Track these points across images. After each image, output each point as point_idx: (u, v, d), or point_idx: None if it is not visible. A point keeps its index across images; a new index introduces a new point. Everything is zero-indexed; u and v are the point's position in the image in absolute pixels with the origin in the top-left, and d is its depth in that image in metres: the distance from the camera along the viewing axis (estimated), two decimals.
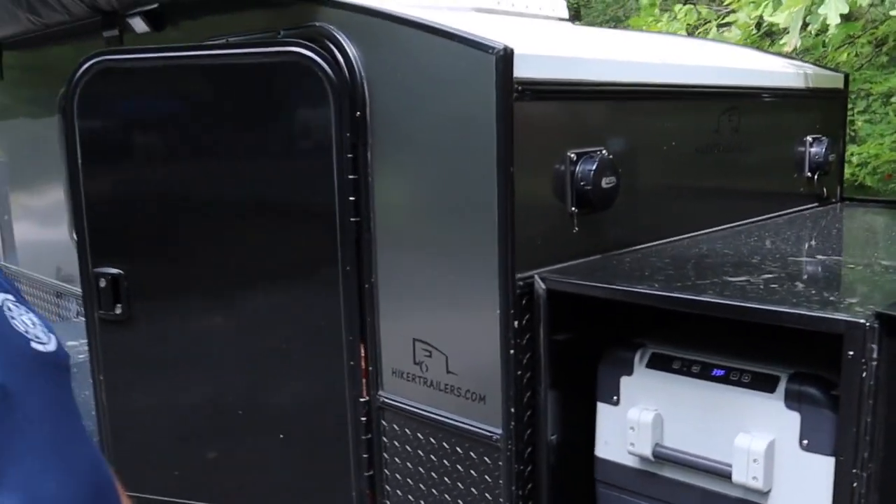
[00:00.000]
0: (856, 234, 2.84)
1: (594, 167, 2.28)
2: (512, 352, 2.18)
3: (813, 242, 2.61)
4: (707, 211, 2.80)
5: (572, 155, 2.28)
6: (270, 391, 2.74)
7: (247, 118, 2.65)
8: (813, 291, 1.98)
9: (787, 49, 3.44)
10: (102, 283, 2.74)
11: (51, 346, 1.27)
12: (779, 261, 2.32)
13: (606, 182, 2.30)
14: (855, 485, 1.78)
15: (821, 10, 3.19)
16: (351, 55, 2.37)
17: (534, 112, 2.18)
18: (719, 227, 2.80)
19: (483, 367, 2.25)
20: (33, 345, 1.24)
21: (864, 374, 1.72)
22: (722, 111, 2.77)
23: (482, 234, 2.17)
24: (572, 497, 2.34)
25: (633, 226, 2.49)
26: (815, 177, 3.27)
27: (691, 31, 5.11)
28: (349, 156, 2.40)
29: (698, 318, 2.04)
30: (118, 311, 2.74)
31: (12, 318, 1.24)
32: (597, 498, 2.34)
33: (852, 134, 6.86)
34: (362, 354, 2.52)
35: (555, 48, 2.45)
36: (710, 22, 4.96)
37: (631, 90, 2.44)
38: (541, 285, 2.19)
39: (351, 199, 2.41)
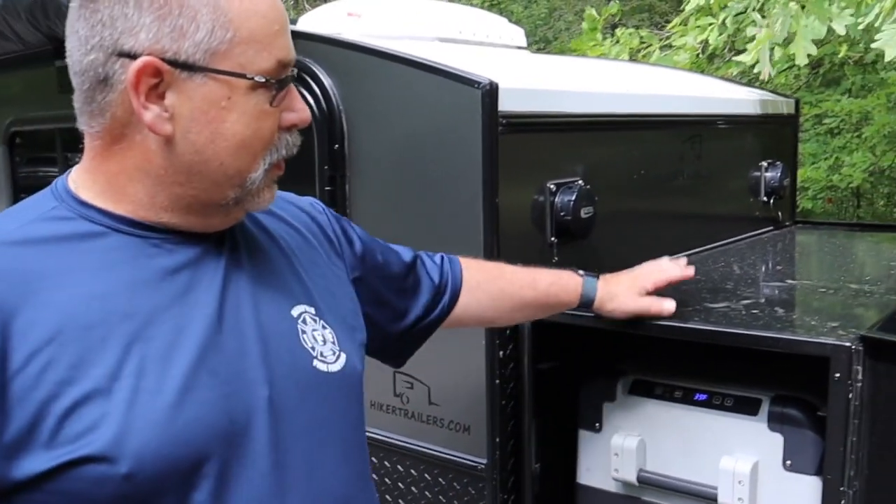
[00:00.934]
0: (817, 256, 2.94)
1: (573, 197, 2.31)
2: (497, 381, 2.20)
3: (779, 267, 2.69)
4: (674, 237, 2.87)
5: (552, 186, 2.31)
6: None
7: None
8: (794, 316, 2.04)
9: (763, 77, 3.51)
10: None
11: (335, 367, 1.34)
12: (752, 286, 2.39)
13: (585, 212, 2.34)
14: (843, 502, 1.83)
15: (790, 49, 3.28)
16: (328, 87, 2.37)
17: (515, 144, 2.21)
18: (686, 253, 2.87)
19: (467, 398, 2.26)
20: (315, 363, 1.31)
21: (850, 395, 1.78)
22: (685, 139, 2.85)
23: None
24: None
25: (609, 254, 2.53)
26: (771, 201, 3.37)
27: (633, 55, 5.22)
28: (327, 188, 2.40)
29: (678, 345, 2.09)
30: None
31: (303, 331, 1.32)
32: None
33: None
34: None
35: (531, 81, 2.49)
36: (651, 45, 5.07)
37: (604, 121, 2.49)
38: None
39: None
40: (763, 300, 2.21)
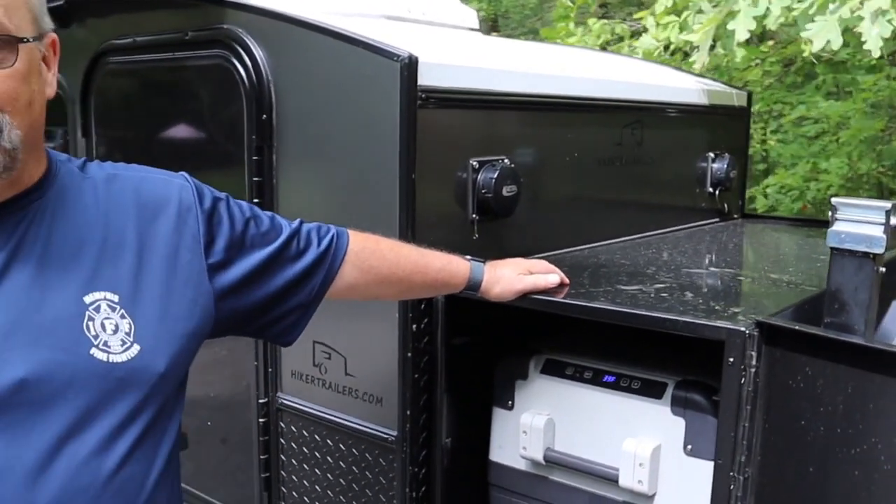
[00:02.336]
0: (752, 248, 2.94)
1: (495, 175, 2.32)
2: (409, 354, 2.21)
3: (709, 255, 2.69)
4: (609, 222, 2.87)
5: (474, 163, 2.32)
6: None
7: (173, 118, 2.67)
8: (700, 301, 2.05)
9: (697, 67, 3.53)
10: None
11: (119, 357, 1.34)
12: (673, 272, 2.39)
13: (507, 190, 2.34)
14: (731, 487, 1.84)
15: (729, 26, 3.28)
16: (258, 58, 2.37)
17: (437, 120, 2.21)
18: (621, 239, 2.87)
19: (381, 370, 2.27)
20: (93, 351, 1.32)
21: (742, 381, 1.79)
22: (625, 124, 2.84)
23: None
24: (466, 500, 2.37)
25: (535, 234, 2.54)
26: (717, 192, 3.37)
27: (604, 48, 5.20)
28: (254, 158, 2.40)
29: (593, 326, 2.09)
30: None
31: (91, 318, 1.33)
32: (490, 502, 2.38)
33: (763, 153, 7.05)
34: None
35: (461, 58, 2.48)
36: (623, 39, 5.06)
37: (534, 101, 2.49)
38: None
39: (255, 201, 2.41)
40: (677, 285, 2.21)
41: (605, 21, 5.34)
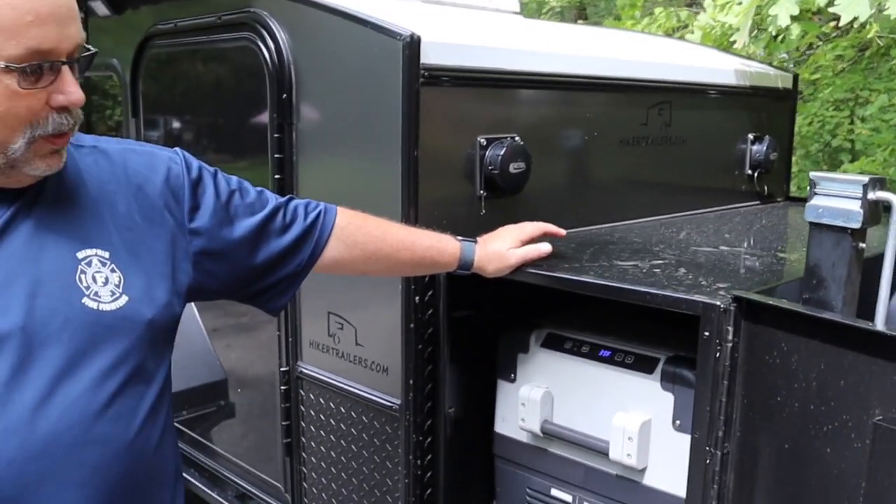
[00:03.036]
0: (776, 229, 2.88)
1: (502, 152, 2.36)
2: (412, 326, 2.27)
3: (727, 235, 2.66)
4: (632, 202, 2.87)
5: (482, 140, 2.36)
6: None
7: (209, 98, 2.81)
8: (691, 276, 2.05)
9: (737, 46, 3.48)
10: None
11: (109, 306, 1.49)
12: (679, 249, 2.39)
13: (515, 167, 2.38)
14: (708, 462, 1.84)
15: (772, 11, 3.22)
16: (280, 40, 2.47)
17: (442, 97, 2.27)
18: (646, 219, 2.87)
19: (387, 341, 2.34)
20: (85, 300, 1.47)
21: (717, 355, 1.79)
22: (651, 105, 2.84)
23: (390, 214, 2.25)
24: (470, 469, 2.43)
25: (546, 212, 2.56)
26: (756, 175, 3.32)
27: (669, 35, 5.12)
28: (276, 135, 2.51)
29: (590, 301, 2.12)
30: None
31: (83, 272, 1.48)
32: (494, 472, 2.43)
33: (850, 142, 6.80)
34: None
35: (471, 37, 2.52)
36: (688, 26, 4.98)
37: (547, 80, 2.51)
38: None
39: (276, 177, 2.52)
40: (675, 262, 2.21)
41: (672, 9, 5.25)
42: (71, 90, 1.41)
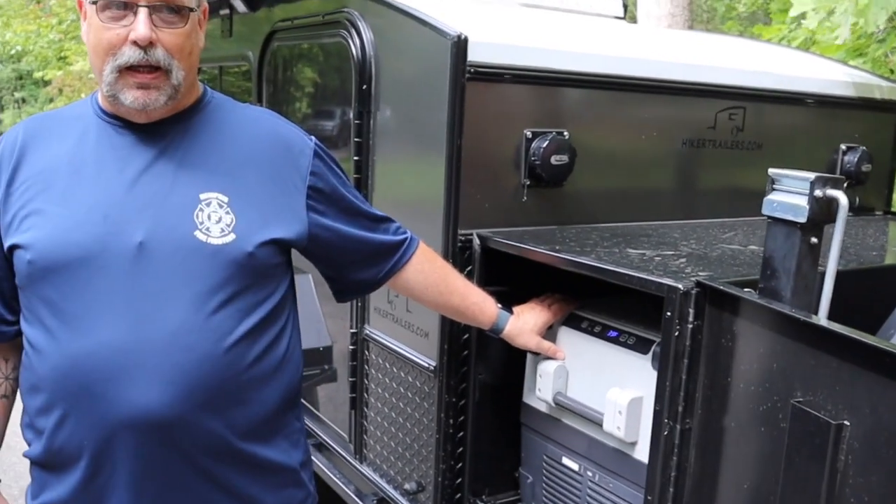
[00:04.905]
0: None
1: (545, 145, 2.57)
2: None
3: None
4: (691, 202, 2.97)
5: (528, 133, 2.58)
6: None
7: (313, 89, 3.20)
8: (684, 267, 2.18)
9: (840, 41, 3.40)
10: None
11: (216, 241, 1.80)
12: (704, 245, 2.50)
13: (556, 160, 2.58)
14: (666, 433, 1.99)
15: (860, 16, 3.18)
16: (365, 37, 2.79)
17: (490, 92, 2.51)
18: (704, 220, 2.97)
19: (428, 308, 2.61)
20: (196, 233, 1.80)
21: (677, 334, 1.94)
22: (720, 109, 2.93)
23: (436, 194, 2.52)
24: (499, 435, 2.65)
25: (593, 205, 2.74)
26: (845, 185, 3.28)
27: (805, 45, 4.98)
28: (356, 122, 2.83)
29: (609, 286, 2.29)
30: None
31: (201, 210, 1.81)
32: (521, 438, 2.64)
33: None
34: None
35: (523, 38, 2.72)
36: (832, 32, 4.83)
37: (599, 80, 2.68)
38: (476, 242, 2.53)
39: (355, 158, 2.85)
40: (685, 255, 2.34)
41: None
42: (136, 28, 1.72)
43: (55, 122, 1.94)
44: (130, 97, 1.78)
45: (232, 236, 1.81)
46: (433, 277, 2.24)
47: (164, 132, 1.86)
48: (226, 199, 1.84)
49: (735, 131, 2.98)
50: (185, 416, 1.76)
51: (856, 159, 3.27)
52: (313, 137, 2.04)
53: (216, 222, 1.81)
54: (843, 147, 3.29)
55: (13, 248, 1.81)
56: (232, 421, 1.83)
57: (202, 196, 1.83)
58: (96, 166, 1.83)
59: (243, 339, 1.83)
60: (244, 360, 1.83)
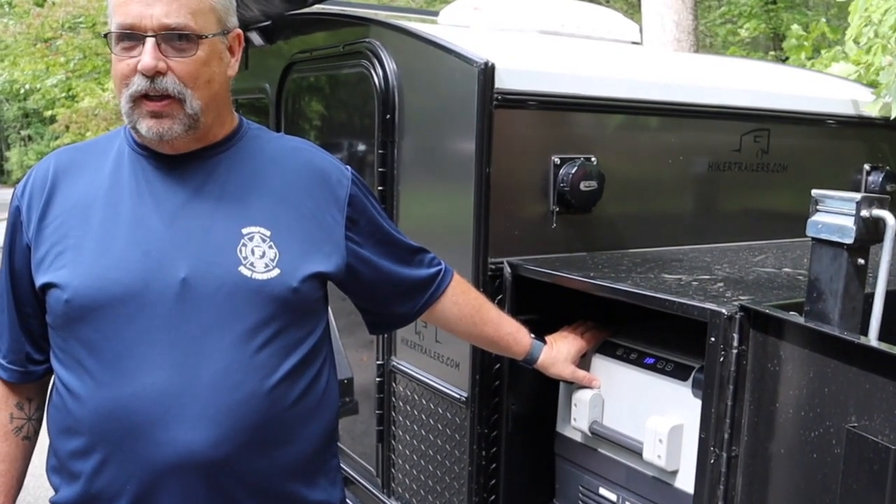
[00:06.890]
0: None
1: (573, 171, 2.55)
2: None
3: (806, 260, 2.68)
4: (718, 225, 2.95)
5: (556, 159, 2.56)
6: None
7: (334, 118, 3.20)
8: (723, 291, 2.15)
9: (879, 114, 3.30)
10: None
11: (261, 276, 1.77)
12: (737, 268, 2.47)
13: (585, 186, 2.56)
14: (713, 462, 1.95)
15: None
16: (387, 67, 2.78)
17: (516, 119, 2.50)
18: (733, 243, 2.94)
19: (459, 338, 2.57)
20: (240, 268, 1.76)
21: (722, 360, 1.91)
22: (745, 132, 2.92)
23: (465, 223, 2.50)
24: (533, 466, 2.61)
25: (623, 231, 2.71)
26: None
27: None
28: (380, 151, 2.82)
29: (642, 311, 2.26)
30: None
31: (244, 245, 1.78)
32: (556, 470, 2.60)
33: None
34: None
35: (549, 64, 2.72)
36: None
37: (625, 105, 2.67)
38: (507, 270, 2.50)
39: (379, 188, 2.83)
40: (722, 278, 2.31)
41: (838, 48, 5.10)
42: (143, 58, 1.69)
43: (87, 153, 1.91)
44: (145, 126, 1.75)
45: (277, 271, 1.78)
46: (467, 308, 2.22)
47: (200, 164, 1.83)
48: (268, 233, 1.81)
49: (760, 154, 2.97)
50: (231, 457, 1.72)
51: (880, 179, 3.25)
52: (349, 167, 2.02)
53: (260, 257, 1.78)
54: (866, 167, 3.28)
55: (47, 286, 1.77)
56: (276, 461, 1.80)
57: (244, 230, 1.79)
58: (132, 200, 1.79)
59: (287, 377, 1.80)
60: (287, 399, 1.80)
